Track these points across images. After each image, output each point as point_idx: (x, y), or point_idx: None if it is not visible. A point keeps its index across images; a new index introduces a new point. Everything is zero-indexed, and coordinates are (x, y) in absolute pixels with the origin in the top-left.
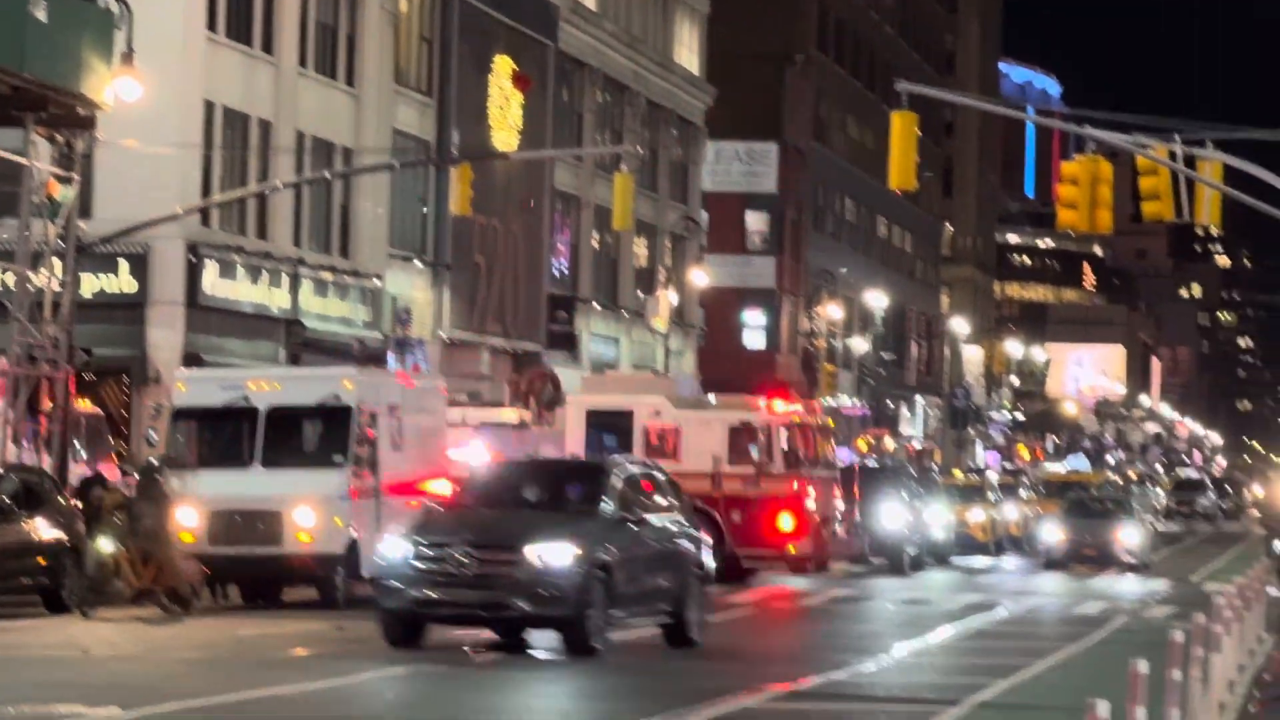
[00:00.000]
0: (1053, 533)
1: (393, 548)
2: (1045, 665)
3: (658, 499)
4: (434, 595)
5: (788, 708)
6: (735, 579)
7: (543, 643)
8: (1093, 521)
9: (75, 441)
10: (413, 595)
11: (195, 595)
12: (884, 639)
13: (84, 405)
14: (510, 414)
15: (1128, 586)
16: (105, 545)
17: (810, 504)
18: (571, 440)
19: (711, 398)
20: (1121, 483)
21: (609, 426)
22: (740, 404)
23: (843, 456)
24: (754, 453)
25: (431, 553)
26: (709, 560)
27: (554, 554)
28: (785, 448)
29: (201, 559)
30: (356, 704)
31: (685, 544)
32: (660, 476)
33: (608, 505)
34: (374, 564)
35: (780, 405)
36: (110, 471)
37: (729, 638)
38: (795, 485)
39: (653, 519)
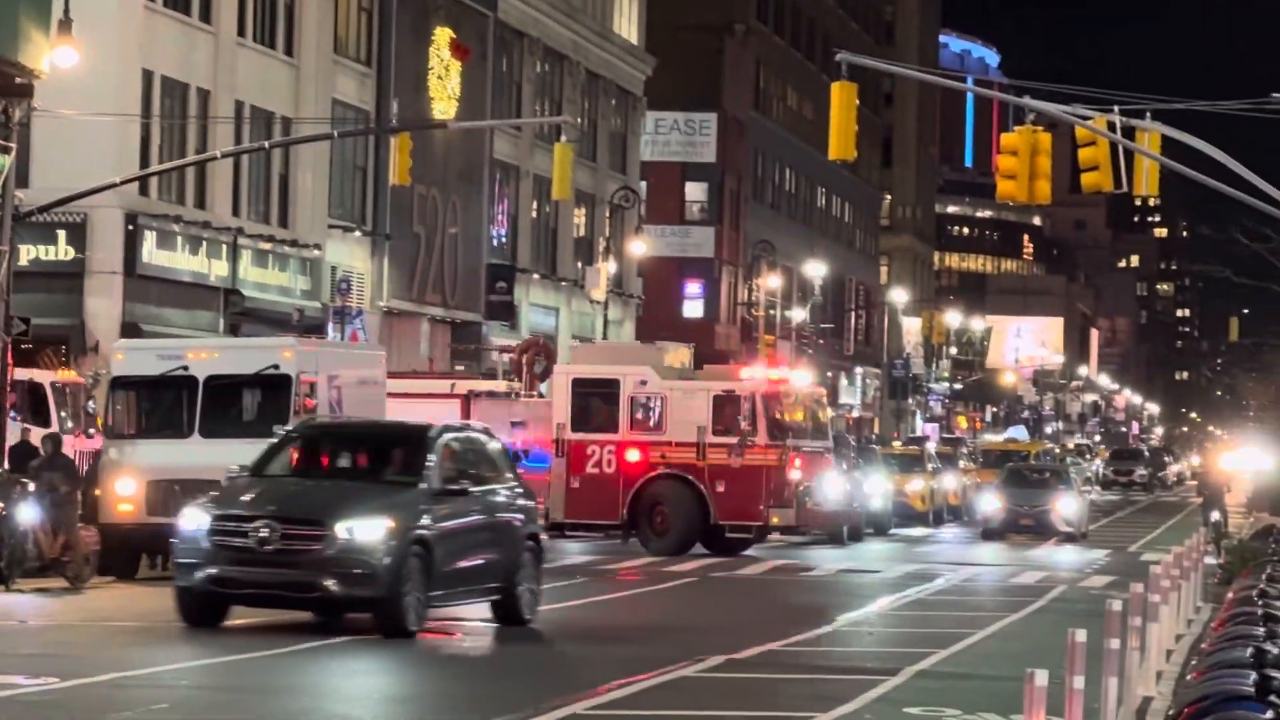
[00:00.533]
0: (990, 503)
1: (190, 519)
2: (983, 635)
3: (487, 468)
4: (233, 573)
5: (725, 677)
6: (723, 551)
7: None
8: (1030, 491)
9: (14, 411)
10: (210, 573)
11: (89, 565)
12: (822, 610)
13: (65, 374)
14: (500, 384)
15: (1065, 556)
16: (24, 514)
17: (794, 474)
18: (558, 411)
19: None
20: (1059, 453)
21: (595, 397)
22: (726, 374)
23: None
24: (741, 423)
25: (231, 526)
26: (541, 532)
27: (365, 529)
28: (769, 418)
29: (142, 529)
30: (298, 672)
31: (517, 516)
32: (492, 444)
33: (429, 475)
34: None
35: (765, 374)
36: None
37: (631, 613)
38: (778, 456)
39: (481, 490)
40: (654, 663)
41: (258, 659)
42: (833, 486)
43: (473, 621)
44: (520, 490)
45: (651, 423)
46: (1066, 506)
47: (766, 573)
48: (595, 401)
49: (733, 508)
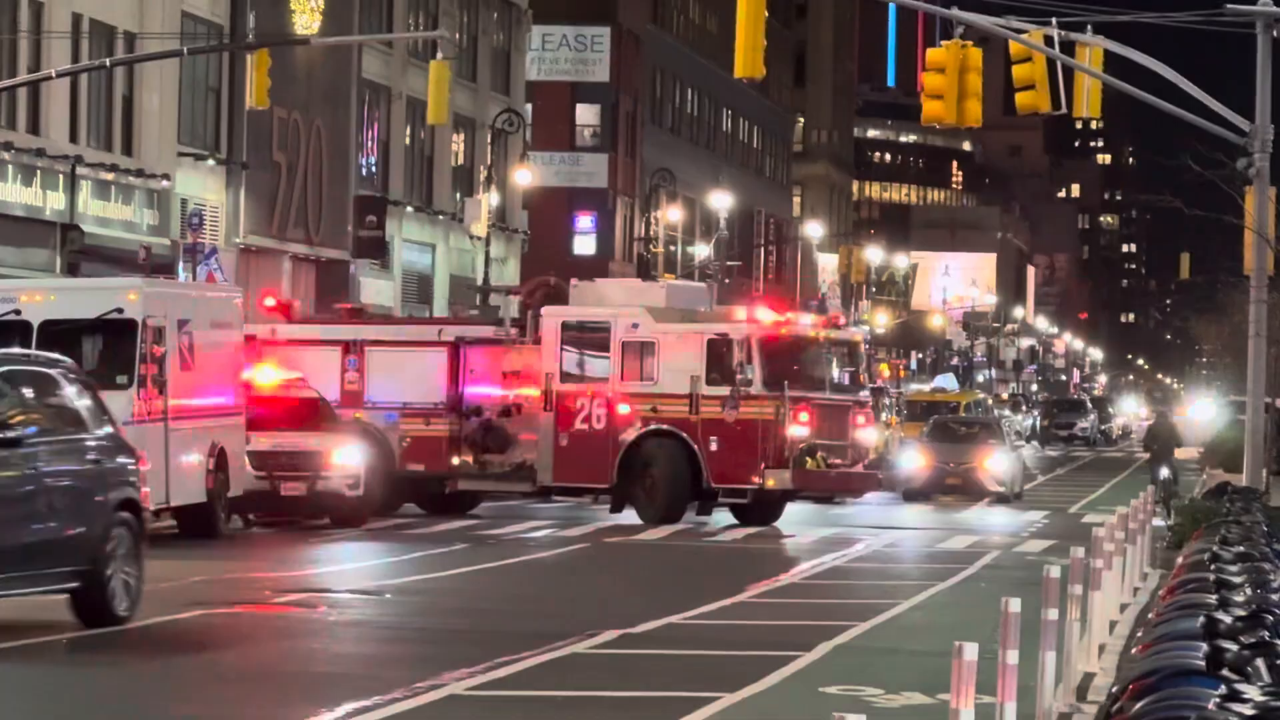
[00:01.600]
0: (913, 460)
1: None
2: (907, 605)
3: (59, 415)
4: None
5: (619, 653)
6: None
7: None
8: (957, 447)
9: None
10: None
11: None
12: (729, 580)
13: None
14: (485, 330)
15: (998, 519)
16: None
17: (796, 430)
18: (546, 359)
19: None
20: (992, 404)
21: (585, 343)
22: (726, 316)
23: None
24: (745, 373)
25: None
26: (142, 500)
27: None
28: (766, 365)
29: None
30: (139, 649)
31: (105, 480)
32: (71, 384)
33: None
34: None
35: (765, 316)
36: None
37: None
38: (775, 409)
39: (48, 443)
40: (540, 638)
41: None
42: (860, 441)
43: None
44: (114, 446)
45: (644, 372)
46: (997, 464)
47: (665, 539)
48: (586, 349)
49: (726, 469)
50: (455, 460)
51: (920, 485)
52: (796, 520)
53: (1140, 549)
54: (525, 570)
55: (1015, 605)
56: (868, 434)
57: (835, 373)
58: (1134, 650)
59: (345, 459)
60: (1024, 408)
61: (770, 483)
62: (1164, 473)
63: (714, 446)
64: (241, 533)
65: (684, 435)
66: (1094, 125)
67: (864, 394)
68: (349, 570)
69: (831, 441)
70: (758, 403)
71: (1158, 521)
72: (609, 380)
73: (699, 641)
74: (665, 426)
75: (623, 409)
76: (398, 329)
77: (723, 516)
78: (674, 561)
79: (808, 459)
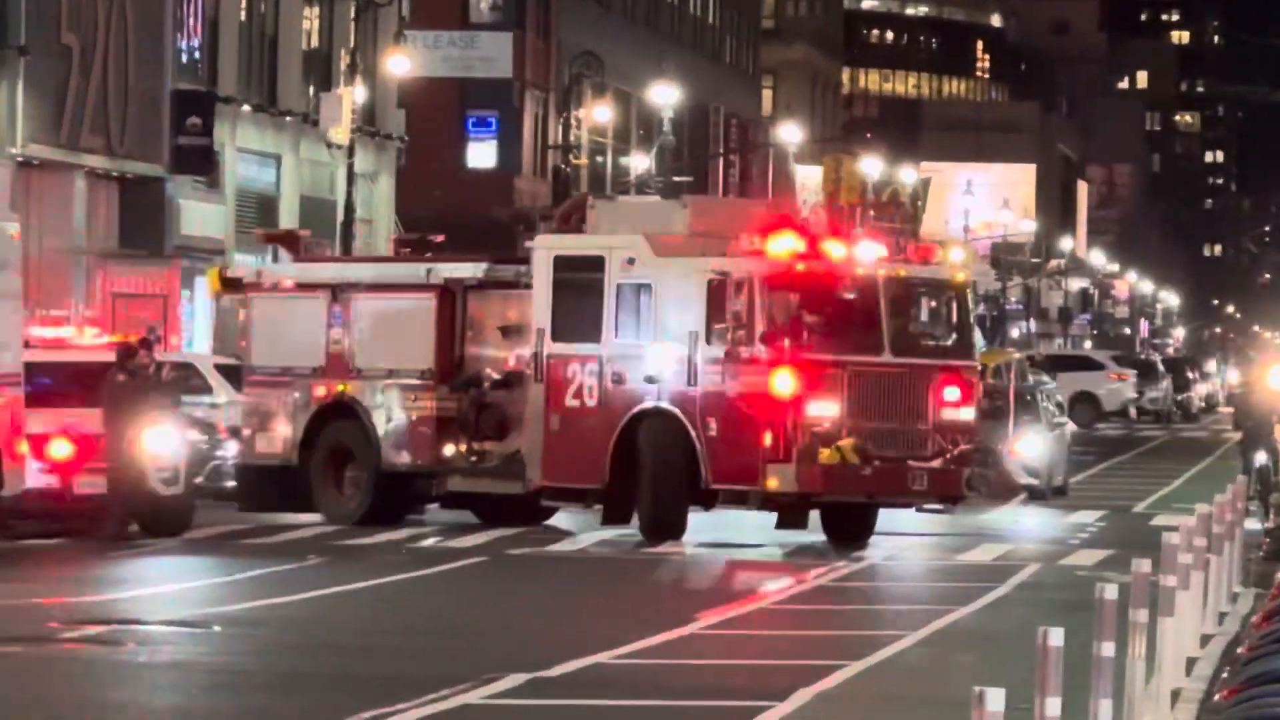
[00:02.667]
0: None
1: None
2: (914, 639)
3: None
4: None
5: (526, 705)
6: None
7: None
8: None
9: None
10: None
11: None
12: (677, 605)
13: None
14: (469, 267)
15: (1036, 521)
16: None
17: (817, 409)
18: (538, 310)
19: None
20: (1030, 366)
21: (581, 285)
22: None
23: None
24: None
25: None
26: None
27: None
28: (771, 316)
29: None
30: None
31: None
32: None
33: None
34: None
35: (779, 246)
36: None
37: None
38: (782, 379)
39: None
40: (423, 685)
41: None
42: (951, 424)
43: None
44: None
45: (640, 326)
46: (1029, 448)
47: (592, 546)
48: (582, 294)
49: (726, 463)
50: (447, 450)
51: None
52: (769, 522)
53: (1228, 561)
54: (405, 591)
55: (1057, 637)
56: (962, 414)
57: (915, 324)
58: (1217, 697)
59: (158, 446)
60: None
61: (772, 483)
62: (1260, 459)
63: (713, 431)
64: (18, 546)
65: (680, 416)
66: None
67: (963, 359)
68: (165, 594)
69: (888, 425)
70: (762, 370)
71: (1252, 524)
72: (602, 338)
73: (634, 687)
74: (662, 404)
75: (613, 379)
76: (379, 269)
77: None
78: (600, 583)
79: (826, 449)
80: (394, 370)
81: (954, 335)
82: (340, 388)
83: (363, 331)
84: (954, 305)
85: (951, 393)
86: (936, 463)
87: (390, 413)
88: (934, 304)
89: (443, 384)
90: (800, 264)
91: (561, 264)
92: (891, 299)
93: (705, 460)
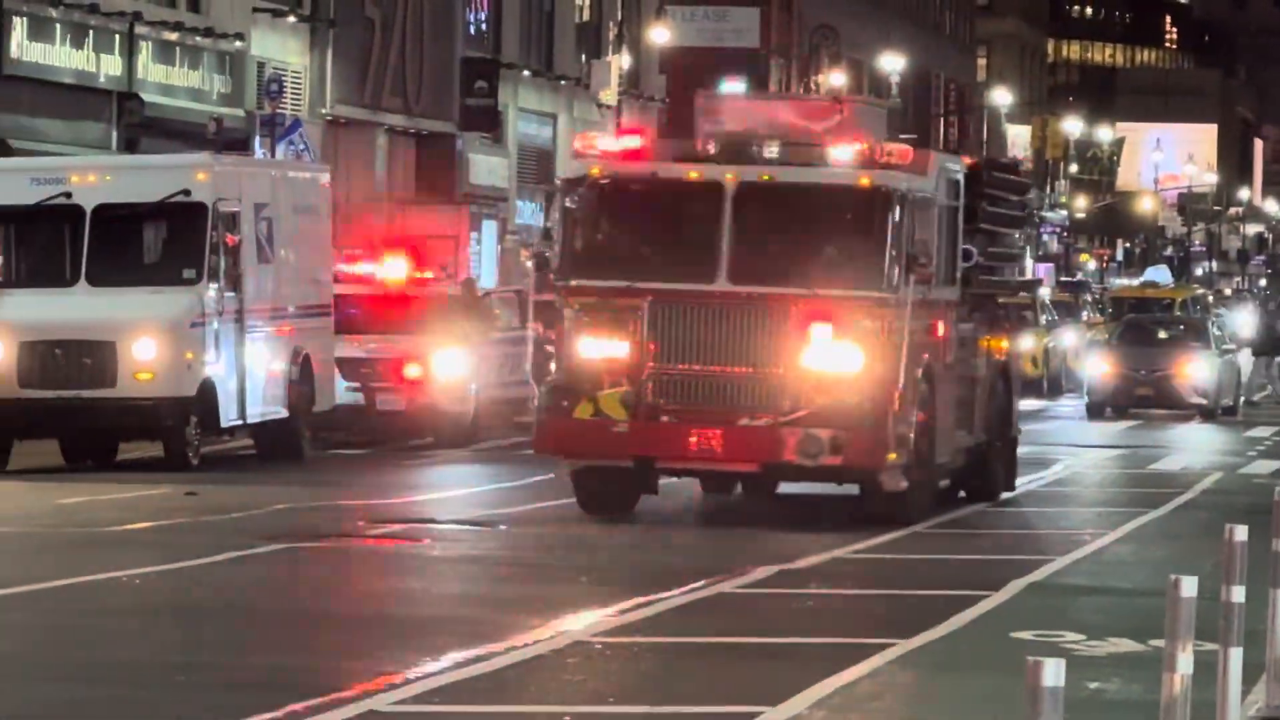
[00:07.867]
0: (1098, 365)
1: None
2: (1114, 537)
3: None
4: None
5: (765, 592)
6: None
7: None
8: (1151, 351)
9: None
10: None
11: None
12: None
13: None
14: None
15: (1214, 436)
16: None
17: (582, 348)
18: None
19: None
20: (1212, 301)
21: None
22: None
23: None
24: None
25: None
26: None
27: None
28: (587, 232)
29: (12, 406)
30: (212, 589)
31: None
32: None
33: None
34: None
35: (593, 143)
36: None
37: None
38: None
39: None
40: (685, 575)
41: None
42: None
43: None
44: None
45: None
46: (1199, 371)
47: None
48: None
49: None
50: None
51: (1104, 397)
52: None
53: None
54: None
55: (1241, 533)
56: (830, 361)
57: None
58: None
59: (449, 369)
60: (1251, 305)
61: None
62: None
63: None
64: (328, 455)
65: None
66: None
67: (846, 289)
68: (455, 498)
69: (707, 372)
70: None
71: None
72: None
73: (863, 580)
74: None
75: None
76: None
77: None
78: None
79: (568, 400)
80: None
81: (849, 260)
82: None
83: None
84: (861, 222)
85: (820, 331)
86: (761, 420)
87: None
88: (836, 219)
89: None
90: (619, 167)
91: None
92: (744, 212)
93: None
